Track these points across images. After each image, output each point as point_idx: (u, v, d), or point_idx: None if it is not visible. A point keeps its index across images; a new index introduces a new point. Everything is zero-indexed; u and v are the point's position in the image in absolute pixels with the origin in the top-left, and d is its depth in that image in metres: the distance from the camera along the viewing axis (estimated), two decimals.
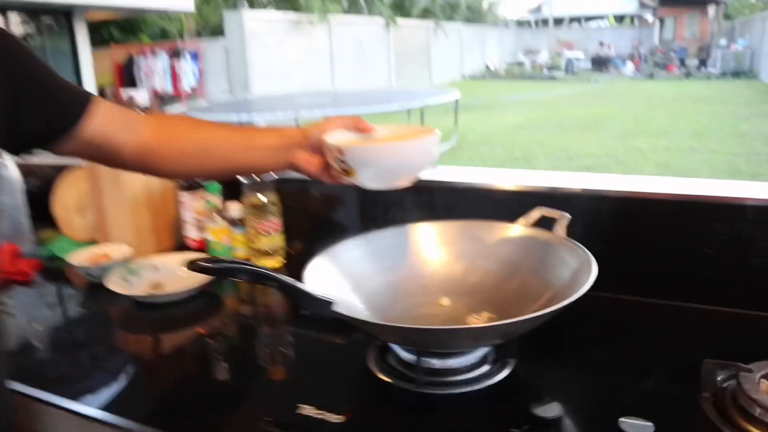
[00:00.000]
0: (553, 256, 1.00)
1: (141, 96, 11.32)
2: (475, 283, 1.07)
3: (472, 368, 0.89)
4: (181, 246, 1.51)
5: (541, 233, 1.05)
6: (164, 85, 12.84)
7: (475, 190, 1.30)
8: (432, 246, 1.11)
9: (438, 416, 0.83)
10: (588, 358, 0.96)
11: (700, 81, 17.64)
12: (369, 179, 0.89)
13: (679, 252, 1.13)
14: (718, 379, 0.81)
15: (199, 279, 1.30)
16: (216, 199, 1.40)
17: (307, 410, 0.83)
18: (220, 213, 1.41)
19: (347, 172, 0.88)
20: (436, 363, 0.88)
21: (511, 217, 1.10)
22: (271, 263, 1.40)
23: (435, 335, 0.84)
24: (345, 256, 1.03)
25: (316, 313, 0.79)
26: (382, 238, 1.10)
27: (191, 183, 1.46)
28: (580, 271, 0.91)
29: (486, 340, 0.90)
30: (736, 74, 18.32)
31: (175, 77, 12.94)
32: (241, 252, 1.43)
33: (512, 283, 1.03)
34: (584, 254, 0.94)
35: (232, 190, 1.41)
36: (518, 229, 1.08)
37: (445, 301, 1.03)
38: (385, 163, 0.87)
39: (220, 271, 0.86)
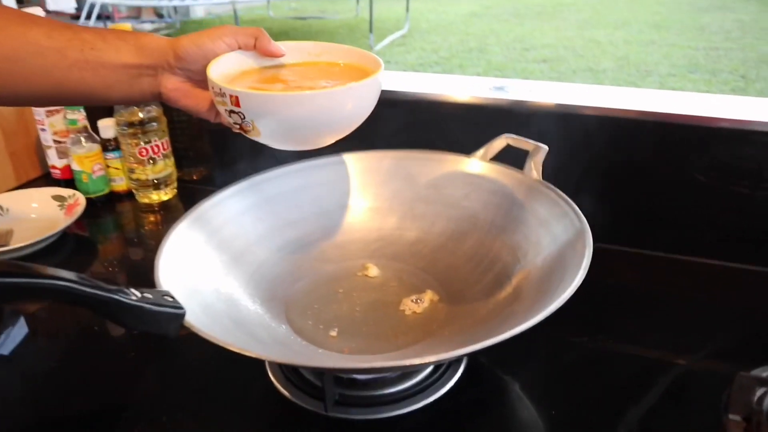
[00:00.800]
0: (524, 210, 0.72)
1: None
2: (413, 242, 0.79)
3: (404, 378, 0.63)
4: (48, 177, 1.18)
5: (506, 172, 0.77)
6: None
7: (411, 103, 0.98)
8: (353, 188, 0.82)
9: None
10: (571, 350, 0.71)
11: None
12: (275, 138, 0.61)
13: (693, 195, 0.88)
14: (755, 398, 0.57)
15: (62, 218, 0.99)
16: (78, 116, 1.06)
17: None
18: (87, 133, 1.08)
19: (242, 128, 0.59)
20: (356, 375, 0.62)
21: (465, 146, 0.81)
22: (159, 197, 1.09)
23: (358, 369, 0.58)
24: (225, 212, 0.72)
25: (156, 332, 0.50)
26: (278, 180, 0.80)
27: None
28: (565, 239, 0.64)
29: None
30: None
31: None
32: (121, 183, 1.11)
33: (465, 244, 0.76)
34: (569, 211, 0.66)
35: None
36: (474, 165, 0.80)
37: (372, 271, 0.75)
38: (297, 118, 0.58)
39: None
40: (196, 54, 0.61)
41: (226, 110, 0.59)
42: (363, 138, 0.83)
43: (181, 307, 0.51)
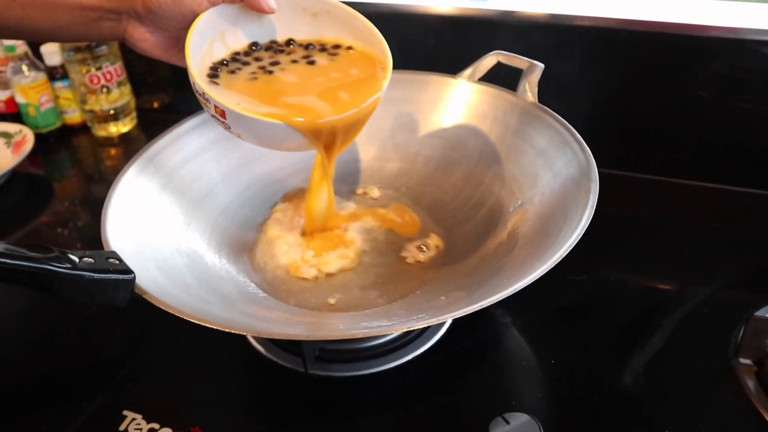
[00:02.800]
0: (519, 137, 0.65)
1: None
2: (396, 174, 0.72)
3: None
4: None
5: (497, 94, 0.69)
6: None
7: (386, 16, 0.88)
8: None
9: (332, 411, 0.53)
10: (570, 290, 0.65)
11: None
12: (257, 144, 0.54)
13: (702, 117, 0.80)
14: None
15: (9, 158, 0.90)
16: (15, 41, 0.94)
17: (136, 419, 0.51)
18: (29, 61, 0.96)
19: (223, 125, 0.51)
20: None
21: (449, 65, 0.72)
22: (117, 129, 1.00)
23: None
24: (182, 151, 0.64)
25: (101, 303, 0.43)
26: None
27: None
28: (567, 173, 0.57)
29: None
30: None
31: None
32: (74, 115, 1.01)
33: (453, 176, 0.69)
34: (571, 140, 0.59)
35: None
36: (461, 87, 0.71)
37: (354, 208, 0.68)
38: (286, 140, 0.52)
39: None
40: (170, 9, 0.51)
41: (208, 112, 0.52)
42: None
43: (129, 271, 0.44)
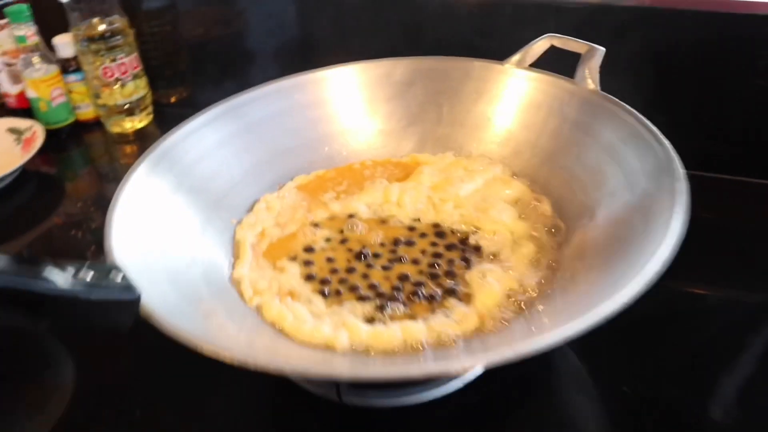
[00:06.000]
0: (579, 130, 0.57)
1: None
2: None
3: None
4: (2, 107, 1.02)
5: (553, 82, 0.61)
6: None
7: None
8: (359, 107, 0.67)
9: None
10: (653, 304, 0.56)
11: None
12: None
13: None
14: None
15: (19, 154, 0.84)
16: (27, 31, 0.89)
17: None
18: (41, 53, 0.91)
19: None
20: None
21: (495, 51, 0.65)
22: (132, 125, 0.94)
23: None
24: (198, 146, 0.57)
25: (100, 328, 0.36)
26: (264, 100, 0.64)
27: None
28: (641, 170, 0.49)
29: None
30: None
31: None
32: (87, 111, 0.95)
33: None
34: (644, 132, 0.51)
35: (52, 15, 0.88)
36: (510, 74, 0.64)
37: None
38: None
39: None
40: None
41: None
42: (362, 44, 0.67)
43: (134, 289, 0.37)
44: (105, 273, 0.36)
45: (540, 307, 0.46)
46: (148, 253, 0.44)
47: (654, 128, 0.50)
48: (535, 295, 0.48)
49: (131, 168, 0.50)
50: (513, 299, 0.48)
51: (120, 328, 0.36)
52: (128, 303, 0.36)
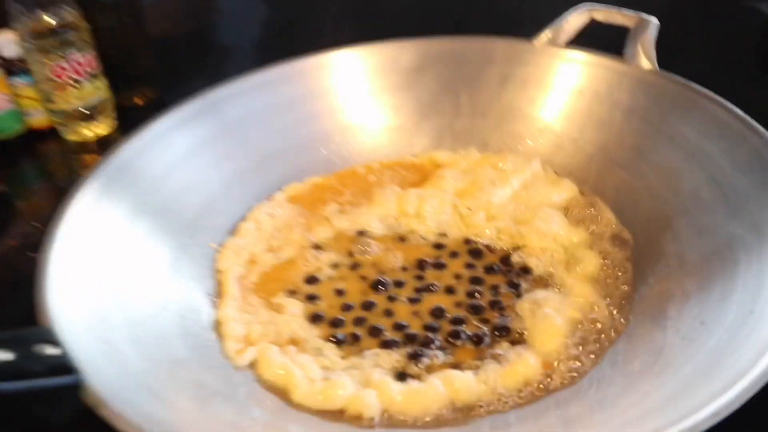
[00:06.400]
0: (633, 118, 0.47)
1: None
2: None
3: None
4: None
5: (599, 62, 0.51)
6: None
7: None
8: (360, 99, 0.56)
9: None
10: None
11: None
12: None
13: None
14: None
15: None
16: None
17: None
18: None
19: None
20: None
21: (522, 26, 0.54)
22: (93, 132, 0.82)
23: None
24: (166, 155, 0.45)
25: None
26: (245, 95, 0.53)
27: None
28: (729, 169, 0.39)
29: None
30: None
31: None
32: (40, 118, 0.83)
33: None
34: (733, 122, 0.41)
35: None
36: (542, 54, 0.53)
37: None
38: None
39: None
40: None
41: None
42: (357, 27, 0.56)
43: (71, 369, 0.25)
44: (28, 345, 0.25)
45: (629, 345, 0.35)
46: (101, 305, 0.33)
47: (744, 115, 0.40)
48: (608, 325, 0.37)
49: (73, 192, 0.39)
50: (581, 335, 0.37)
51: (52, 427, 0.24)
52: (64, 391, 0.24)
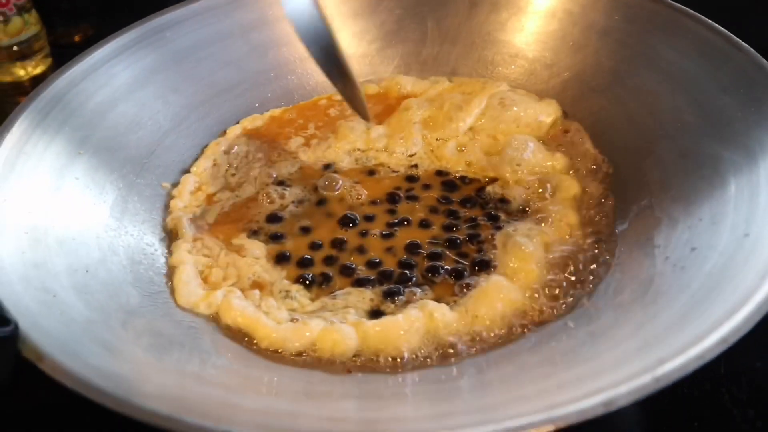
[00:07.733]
0: (611, 38, 0.44)
1: None
2: None
3: None
4: None
5: None
6: None
7: None
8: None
9: None
10: None
11: None
12: None
13: None
14: None
15: None
16: None
17: None
18: None
19: None
20: None
21: None
22: (26, 72, 0.75)
23: None
24: (106, 88, 0.41)
25: None
26: (194, 20, 0.48)
27: None
28: (715, 95, 0.37)
29: None
30: None
31: None
32: None
33: None
34: (724, 45, 0.38)
35: None
36: None
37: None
38: None
39: None
40: None
41: None
42: None
43: (6, 321, 0.22)
44: None
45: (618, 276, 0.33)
46: (37, 251, 0.29)
47: (733, 37, 0.38)
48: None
49: (1, 131, 0.34)
50: (562, 263, 0.35)
51: None
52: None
